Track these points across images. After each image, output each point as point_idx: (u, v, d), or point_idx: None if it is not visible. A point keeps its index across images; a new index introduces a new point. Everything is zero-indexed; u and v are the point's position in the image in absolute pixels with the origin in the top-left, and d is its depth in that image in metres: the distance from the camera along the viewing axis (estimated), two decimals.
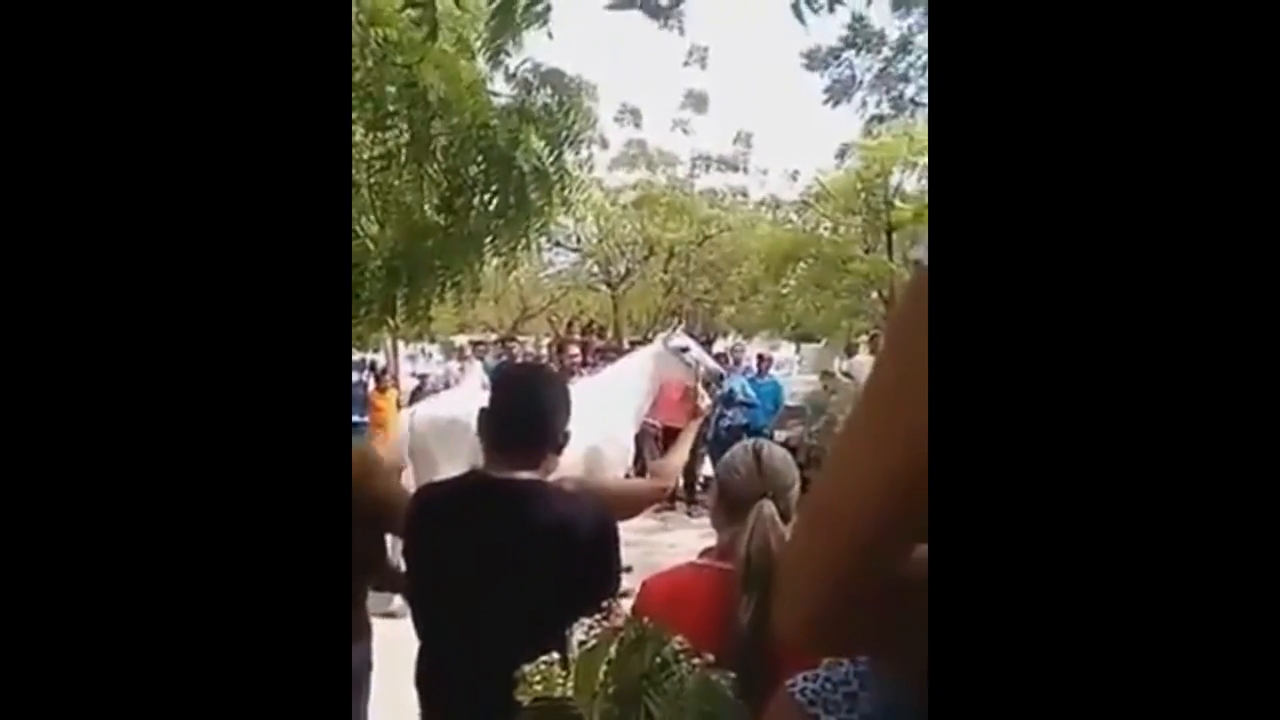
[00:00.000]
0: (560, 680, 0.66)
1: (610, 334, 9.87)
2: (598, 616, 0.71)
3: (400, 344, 8.82)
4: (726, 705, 0.63)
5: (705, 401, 2.14)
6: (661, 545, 4.42)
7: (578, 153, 2.93)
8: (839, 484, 0.38)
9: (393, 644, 1.36)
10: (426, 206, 2.92)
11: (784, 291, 9.09)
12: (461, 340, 9.54)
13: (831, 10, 2.17)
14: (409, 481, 2.97)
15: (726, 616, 0.96)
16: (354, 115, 2.48)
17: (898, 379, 0.35)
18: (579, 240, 10.03)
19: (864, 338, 8.27)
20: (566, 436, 1.23)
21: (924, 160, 7.23)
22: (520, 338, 10.11)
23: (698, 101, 10.94)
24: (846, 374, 5.86)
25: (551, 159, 2.77)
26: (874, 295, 8.18)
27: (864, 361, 6.23)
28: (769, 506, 1.03)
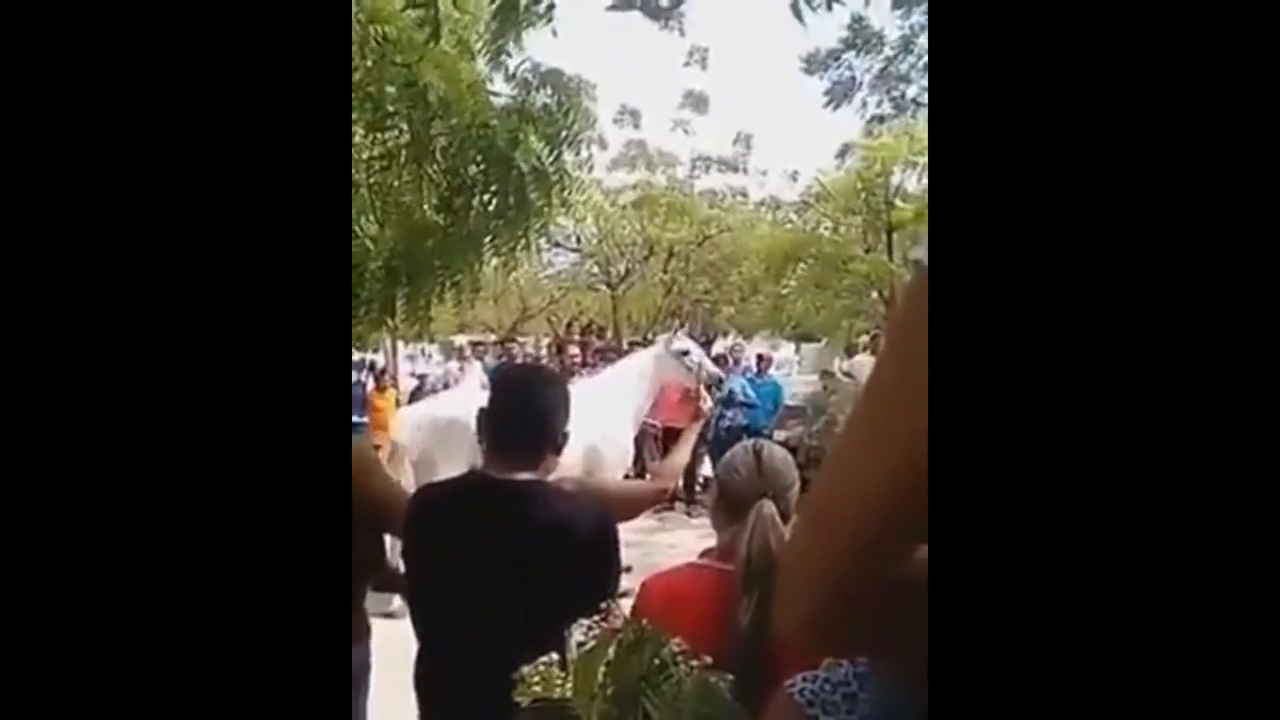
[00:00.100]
0: (559, 681, 0.66)
1: (610, 334, 9.87)
2: (596, 617, 0.71)
3: (399, 344, 8.82)
4: (724, 707, 0.63)
5: (707, 404, 2.15)
6: (661, 545, 4.42)
7: (577, 153, 2.94)
8: (839, 484, 0.38)
9: (392, 644, 1.36)
10: (426, 207, 2.92)
11: (784, 292, 9.09)
12: (461, 340, 9.54)
13: (829, 9, 2.17)
14: (408, 482, 2.97)
15: (726, 617, 0.96)
16: (354, 115, 2.48)
17: (898, 379, 0.34)
18: (579, 241, 10.04)
19: (864, 338, 8.27)
20: (565, 437, 1.23)
21: (925, 160, 7.23)
22: (520, 338, 10.11)
23: (698, 102, 10.95)
24: (847, 374, 5.86)
25: (551, 159, 2.77)
26: (874, 295, 8.18)
27: (864, 362, 6.23)
28: (769, 506, 1.03)
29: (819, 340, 10.24)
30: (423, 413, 3.91)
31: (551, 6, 2.50)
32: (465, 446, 2.86)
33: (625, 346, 8.45)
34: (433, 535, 1.19)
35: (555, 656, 0.68)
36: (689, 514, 5.36)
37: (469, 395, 3.66)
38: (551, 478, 1.21)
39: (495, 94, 2.87)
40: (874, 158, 7.79)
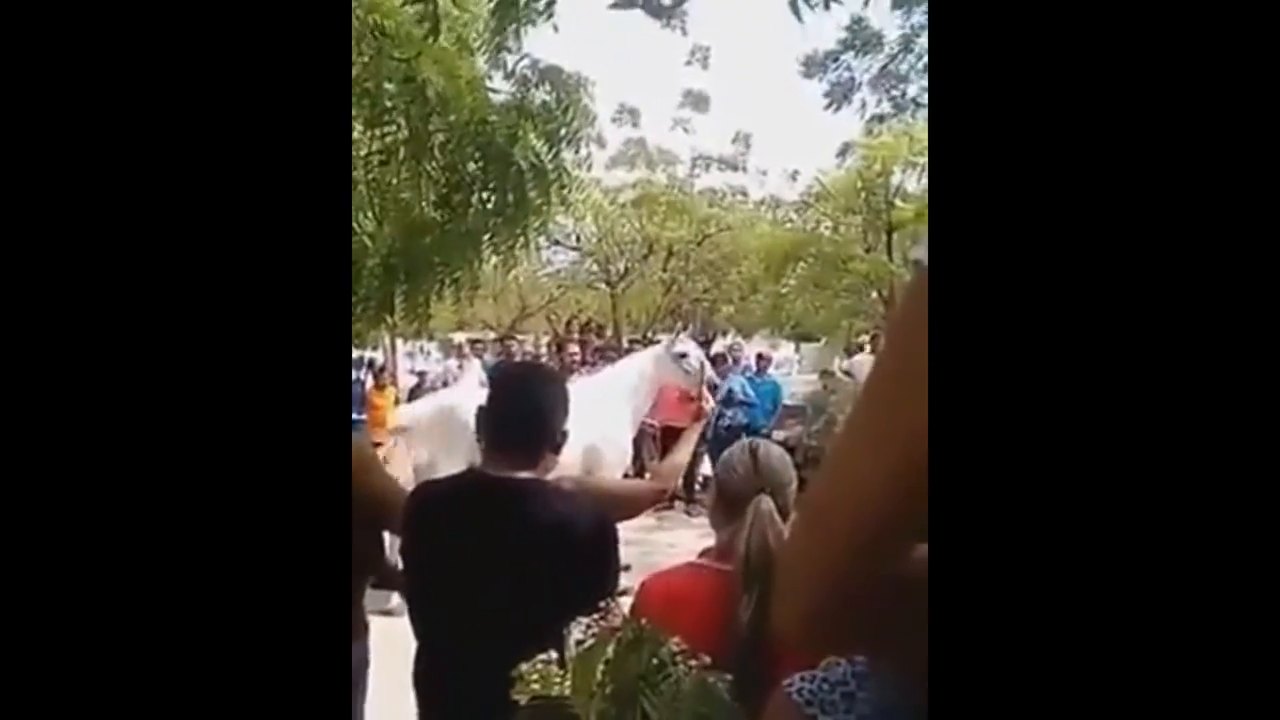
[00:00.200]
0: (557, 679, 0.66)
1: (609, 333, 9.87)
2: (595, 616, 0.71)
3: (398, 342, 8.82)
4: (723, 707, 0.63)
5: (709, 403, 2.15)
6: (660, 544, 4.42)
7: (576, 151, 2.93)
8: (837, 483, 0.38)
9: (390, 642, 1.36)
10: (424, 204, 2.91)
11: (784, 291, 9.09)
12: (460, 338, 9.53)
13: (827, 8, 2.17)
14: (407, 479, 2.97)
15: (724, 617, 0.96)
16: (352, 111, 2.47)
17: (897, 379, 0.34)
18: (578, 239, 10.03)
19: (864, 337, 8.28)
20: (564, 436, 1.23)
21: (925, 160, 7.22)
22: (519, 336, 10.11)
23: (698, 100, 10.94)
24: (846, 374, 5.87)
25: (550, 157, 2.77)
26: (874, 295, 8.19)
27: (864, 361, 6.23)
28: (767, 502, 1.04)
29: (818, 340, 10.24)
30: (421, 410, 3.91)
31: (552, 2, 2.49)
32: (464, 444, 2.86)
33: (625, 345, 8.46)
34: (431, 533, 1.19)
35: (554, 655, 0.68)
36: (688, 513, 5.37)
37: (468, 393, 3.66)
38: (550, 476, 1.21)
39: (494, 91, 2.87)
40: (874, 157, 7.79)
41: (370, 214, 2.89)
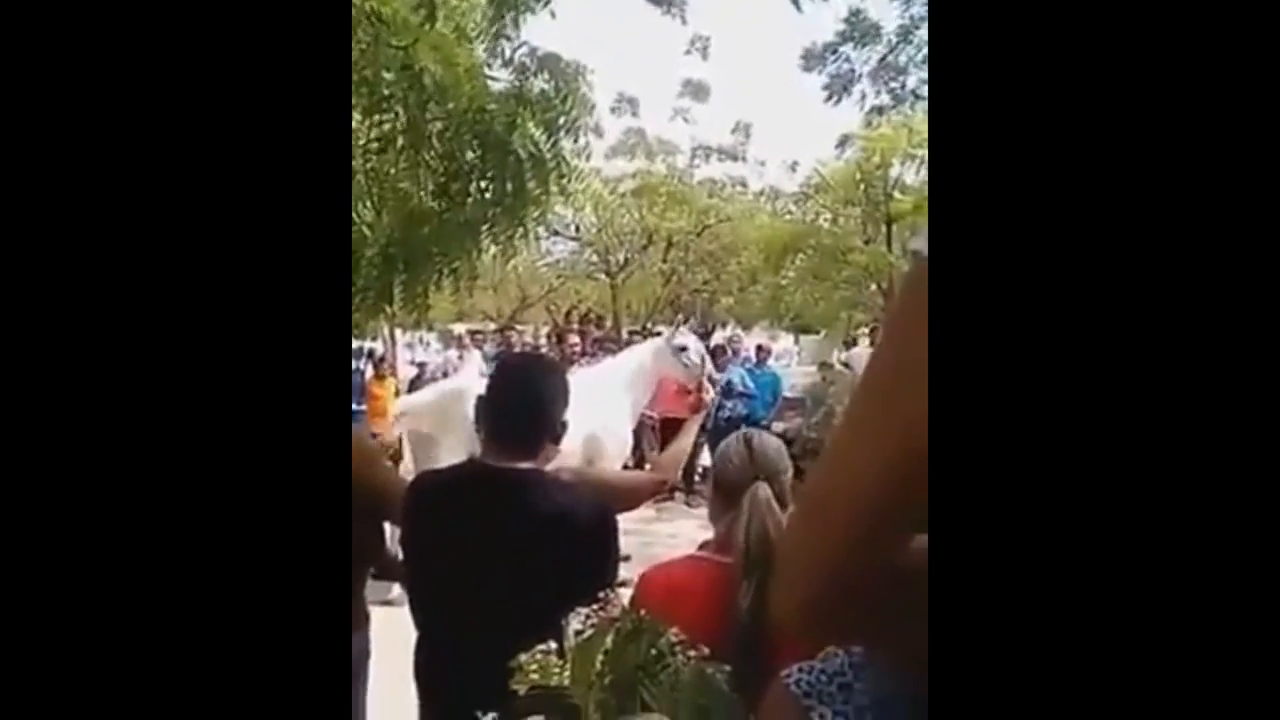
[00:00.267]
0: (556, 670, 0.66)
1: (609, 324, 9.86)
2: (595, 607, 0.71)
3: (398, 332, 8.81)
4: (721, 698, 0.64)
5: (709, 394, 2.15)
6: (661, 535, 4.44)
7: (575, 140, 2.92)
8: (836, 474, 0.38)
9: (391, 632, 1.37)
10: (423, 193, 2.90)
11: (783, 283, 9.08)
12: (460, 329, 9.52)
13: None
14: (407, 470, 2.97)
15: (724, 609, 0.96)
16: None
17: (895, 369, 0.34)
18: (578, 229, 10.00)
19: (863, 329, 8.28)
20: (565, 426, 1.23)
21: (924, 152, 7.20)
22: (519, 327, 10.10)
23: (697, 90, 10.88)
24: (845, 365, 5.87)
25: (549, 145, 2.75)
26: (873, 287, 8.18)
27: (863, 353, 6.24)
28: (764, 490, 1.04)
29: (818, 332, 10.25)
30: (421, 400, 3.91)
31: None
32: (464, 435, 2.87)
33: (624, 336, 8.45)
34: (431, 523, 1.19)
35: (553, 645, 0.69)
36: (688, 504, 5.38)
37: (470, 377, 3.67)
38: (550, 467, 1.21)
39: (493, 79, 2.85)
40: (873, 149, 7.77)
41: (369, 203, 2.88)
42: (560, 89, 2.81)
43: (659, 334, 4.97)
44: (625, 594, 0.95)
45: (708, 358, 4.32)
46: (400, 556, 1.32)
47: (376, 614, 1.45)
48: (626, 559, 1.25)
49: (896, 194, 7.98)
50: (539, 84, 2.84)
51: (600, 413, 3.53)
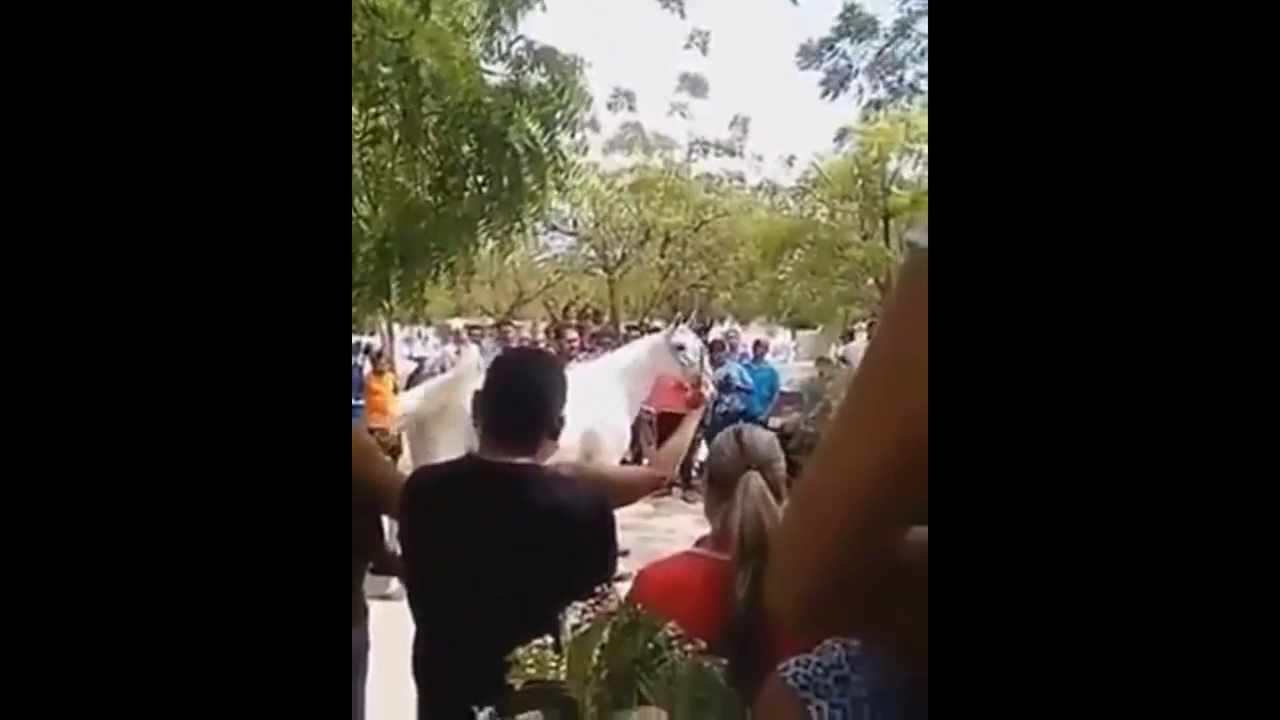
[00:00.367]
0: (553, 664, 0.66)
1: (606, 319, 9.86)
2: (592, 601, 0.72)
3: (396, 327, 8.79)
4: (717, 691, 0.64)
5: (709, 389, 2.15)
6: (659, 530, 4.45)
7: (572, 135, 2.90)
8: (832, 467, 0.38)
9: (390, 626, 1.37)
10: (419, 188, 2.89)
11: (780, 278, 9.08)
12: (457, 324, 9.50)
13: None
14: (405, 464, 2.97)
15: (721, 605, 0.97)
16: None
17: (892, 361, 0.34)
18: (575, 224, 9.98)
19: (861, 324, 8.28)
20: (562, 421, 1.23)
21: (921, 147, 7.19)
22: (516, 322, 10.09)
23: (695, 85, 10.84)
24: (843, 360, 5.87)
25: (545, 140, 2.74)
26: (870, 282, 8.18)
27: (860, 348, 6.24)
28: (756, 479, 1.05)
29: (815, 327, 10.25)
30: (419, 395, 3.91)
31: None
32: (462, 430, 2.86)
33: (622, 331, 8.44)
34: (429, 518, 1.19)
35: (549, 639, 0.69)
36: (686, 499, 5.39)
37: (471, 367, 3.66)
38: (548, 462, 1.21)
39: (489, 73, 2.83)
40: (870, 143, 7.76)
41: (365, 197, 2.87)
42: (557, 83, 2.80)
43: (657, 329, 4.97)
44: (623, 589, 0.95)
45: (706, 356, 4.32)
46: (398, 551, 1.32)
47: (375, 608, 1.45)
48: (624, 554, 1.26)
49: (894, 189, 7.98)
50: (536, 78, 2.83)
51: (598, 408, 3.53)
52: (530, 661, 0.66)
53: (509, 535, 1.10)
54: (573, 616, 0.70)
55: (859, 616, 0.42)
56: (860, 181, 8.26)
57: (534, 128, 2.70)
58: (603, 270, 10.49)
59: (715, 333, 8.42)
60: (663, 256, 10.28)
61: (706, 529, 1.15)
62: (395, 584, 1.98)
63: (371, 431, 4.29)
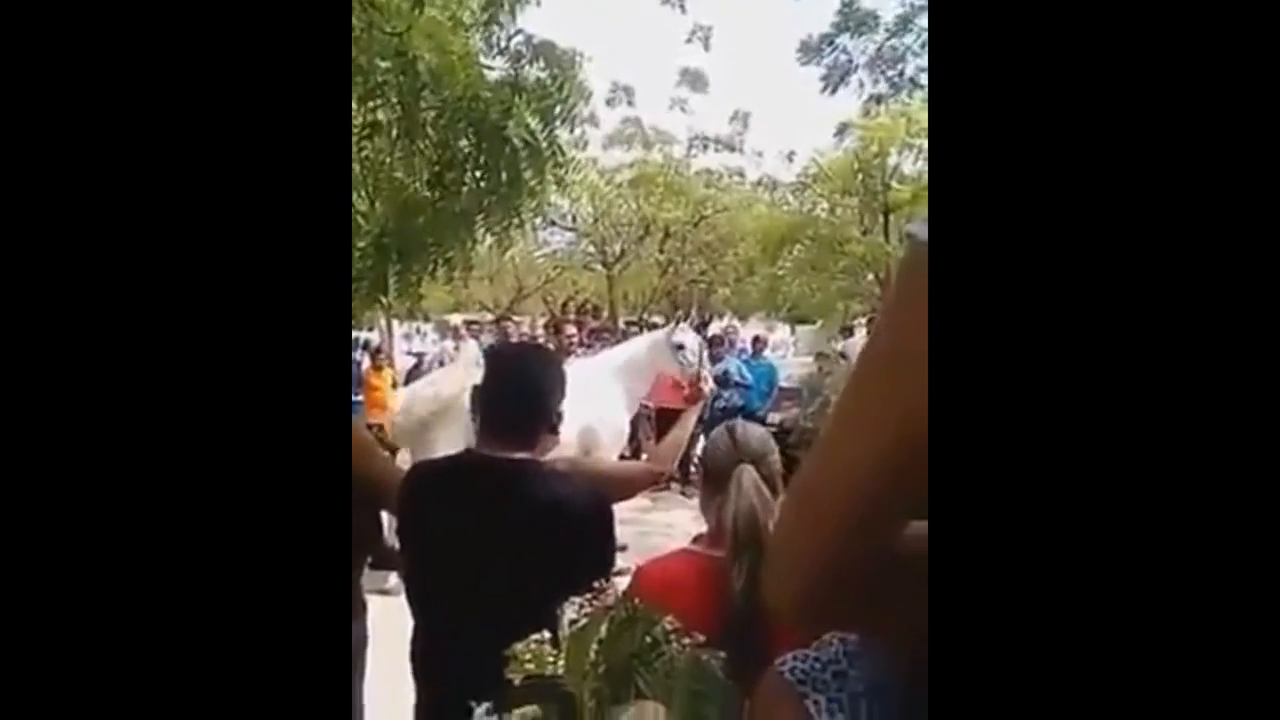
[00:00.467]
0: (551, 659, 0.66)
1: (605, 314, 9.86)
2: (589, 596, 0.72)
3: (395, 323, 8.78)
4: (716, 684, 0.64)
5: (708, 384, 2.15)
6: (657, 525, 4.45)
7: (571, 130, 2.89)
8: (830, 462, 0.38)
9: (388, 621, 1.37)
10: (417, 183, 2.88)
11: (780, 273, 9.07)
12: (456, 319, 9.50)
13: None
14: (404, 459, 2.97)
15: (717, 602, 0.97)
16: None
17: (891, 354, 0.34)
18: (574, 219, 9.97)
19: (860, 320, 8.28)
20: (561, 416, 1.23)
21: (921, 142, 7.18)
22: (515, 317, 10.08)
23: (695, 80, 10.80)
24: (842, 356, 5.88)
25: (544, 135, 2.73)
26: (870, 277, 8.18)
27: (860, 343, 6.23)
28: (750, 472, 1.05)
29: (814, 322, 10.25)
30: (419, 391, 3.91)
31: None
32: (462, 425, 2.86)
33: (621, 327, 8.44)
34: (427, 513, 1.19)
35: (547, 634, 0.69)
36: (684, 494, 5.40)
37: (465, 373, 3.66)
38: (547, 458, 1.21)
39: (488, 67, 2.82)
40: (871, 138, 7.74)
41: (363, 192, 2.87)
42: (556, 77, 2.79)
43: (656, 325, 4.96)
44: (621, 583, 0.95)
45: (705, 356, 4.31)
46: (397, 546, 1.32)
47: (374, 603, 1.45)
48: (623, 548, 1.26)
49: (894, 184, 7.96)
50: (534, 72, 2.82)
51: (597, 403, 3.54)
52: (528, 656, 0.66)
53: (507, 530, 1.10)
54: (570, 611, 0.70)
55: (857, 611, 0.42)
56: (860, 176, 8.25)
57: (533, 122, 2.69)
58: (602, 266, 10.48)
59: (714, 328, 8.42)
60: (662, 252, 10.27)
61: (704, 526, 1.15)
62: (394, 579, 1.98)
63: (370, 427, 4.29)
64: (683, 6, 3.78)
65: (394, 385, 5.77)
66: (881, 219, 8.17)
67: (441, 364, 6.02)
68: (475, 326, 8.43)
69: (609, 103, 10.09)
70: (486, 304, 11.56)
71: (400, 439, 3.54)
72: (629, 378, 3.91)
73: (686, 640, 0.67)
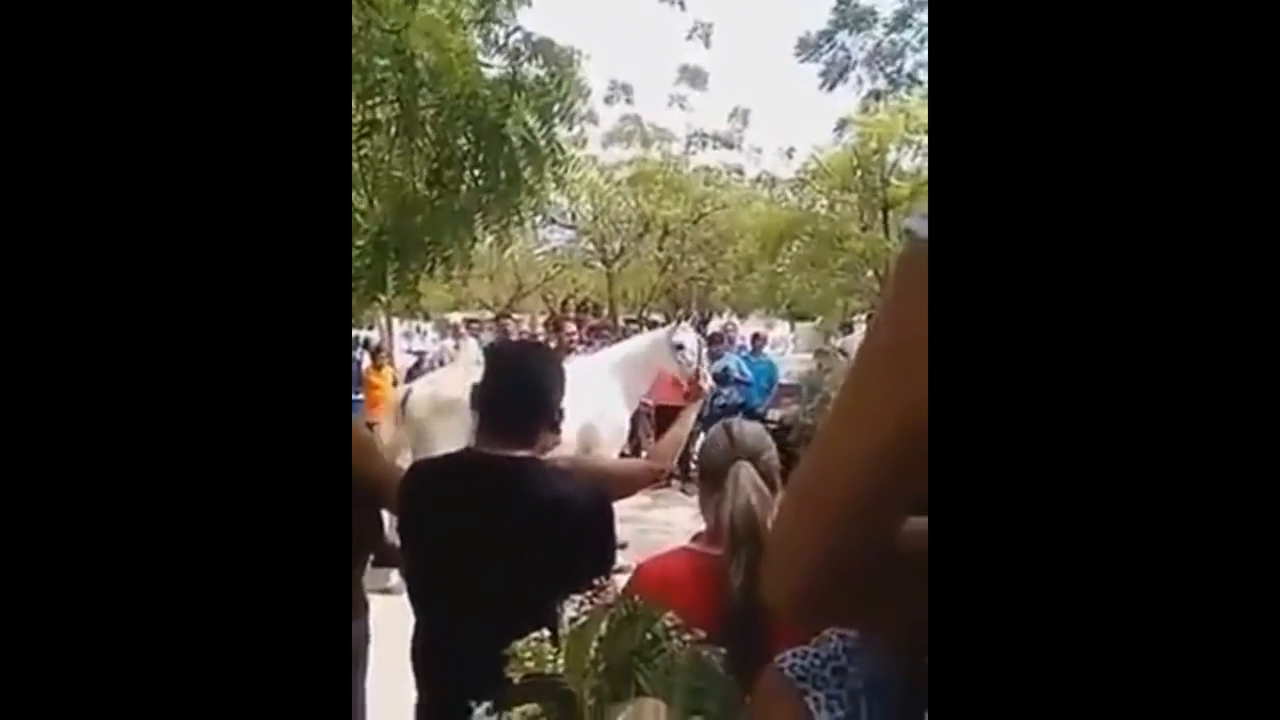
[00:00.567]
0: (550, 656, 0.66)
1: (605, 312, 9.85)
2: (589, 593, 0.72)
3: (395, 321, 8.78)
4: (717, 680, 0.64)
5: (708, 382, 2.15)
6: (657, 522, 4.46)
7: (570, 127, 2.89)
8: (829, 457, 0.38)
9: (390, 619, 1.37)
10: (416, 181, 2.88)
11: (779, 270, 9.07)
12: (456, 318, 9.50)
13: None
14: (405, 460, 2.97)
15: (717, 599, 0.97)
16: None
17: (890, 349, 0.34)
18: (573, 217, 9.96)
19: (859, 316, 8.28)
20: (561, 414, 1.23)
21: (920, 138, 7.17)
22: (515, 315, 10.08)
23: (694, 77, 10.79)
24: (841, 352, 5.88)
25: (543, 132, 2.73)
26: (869, 274, 8.17)
27: (859, 340, 6.22)
28: (746, 469, 1.05)
29: (814, 319, 10.24)
30: (420, 390, 3.91)
31: None
32: (462, 423, 2.86)
33: (621, 324, 8.44)
34: (427, 511, 1.19)
35: (547, 632, 0.69)
36: (684, 491, 5.41)
37: (465, 371, 3.66)
38: (547, 455, 1.21)
39: (486, 65, 2.82)
40: (870, 134, 7.73)
41: (362, 191, 2.86)
42: (555, 75, 2.78)
43: (655, 322, 4.96)
44: (621, 581, 0.95)
45: (705, 355, 4.31)
46: (398, 544, 1.32)
47: (375, 602, 1.45)
48: (623, 546, 1.26)
49: (893, 180, 7.96)
50: (533, 70, 2.81)
51: (597, 401, 3.53)
52: (528, 654, 0.66)
53: (507, 528, 1.10)
54: (570, 609, 0.70)
55: (856, 607, 0.42)
56: (859, 173, 8.24)
57: (532, 120, 2.68)
58: (601, 263, 10.48)
59: (714, 325, 8.42)
60: (661, 249, 10.26)
61: (703, 524, 1.15)
62: (395, 577, 1.98)
63: (370, 426, 4.28)
64: (682, 4, 3.77)
65: (394, 383, 5.77)
66: (880, 215, 8.17)
67: (442, 363, 6.03)
68: (475, 324, 8.43)
69: (608, 100, 10.08)
70: (486, 302, 11.56)
71: (399, 441, 3.53)
72: (629, 375, 3.91)
73: (687, 637, 0.67)
